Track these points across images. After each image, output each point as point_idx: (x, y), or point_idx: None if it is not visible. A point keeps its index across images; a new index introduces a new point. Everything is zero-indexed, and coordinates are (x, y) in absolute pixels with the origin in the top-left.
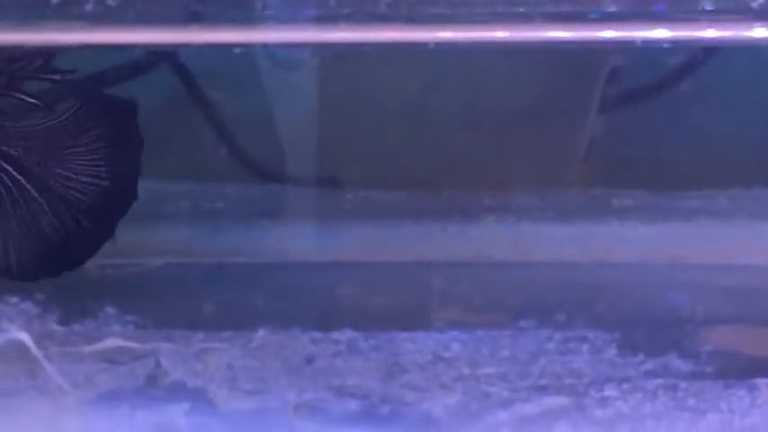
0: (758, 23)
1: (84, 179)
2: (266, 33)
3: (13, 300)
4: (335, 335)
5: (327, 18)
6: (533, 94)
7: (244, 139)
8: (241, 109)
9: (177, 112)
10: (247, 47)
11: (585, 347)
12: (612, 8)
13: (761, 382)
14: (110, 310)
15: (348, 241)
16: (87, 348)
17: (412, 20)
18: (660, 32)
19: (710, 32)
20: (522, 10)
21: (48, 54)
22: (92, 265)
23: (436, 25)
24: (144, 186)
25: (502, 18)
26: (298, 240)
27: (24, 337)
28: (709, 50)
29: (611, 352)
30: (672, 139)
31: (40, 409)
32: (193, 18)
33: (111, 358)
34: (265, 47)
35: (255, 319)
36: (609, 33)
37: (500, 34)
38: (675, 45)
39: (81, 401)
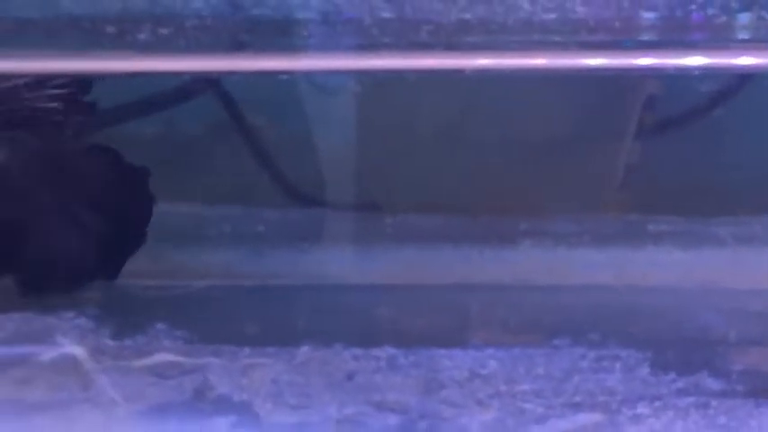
0: None
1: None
2: (311, 61)
3: (69, 315)
4: (376, 351)
5: (370, 46)
6: (571, 121)
7: (285, 164)
8: (282, 135)
9: (220, 138)
10: (291, 74)
11: (618, 366)
12: (647, 36)
13: None
14: (160, 326)
15: (387, 264)
16: (138, 362)
17: (450, 47)
18: (695, 60)
19: (744, 60)
20: (557, 39)
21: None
22: (139, 285)
23: (474, 53)
24: (188, 210)
25: (538, 46)
26: (338, 263)
27: (78, 350)
28: (744, 77)
29: (644, 371)
30: (706, 166)
31: (92, 420)
32: (240, 47)
33: (160, 372)
34: (306, 74)
35: (299, 337)
36: (644, 61)
37: (537, 61)
38: (710, 72)
39: (131, 413)
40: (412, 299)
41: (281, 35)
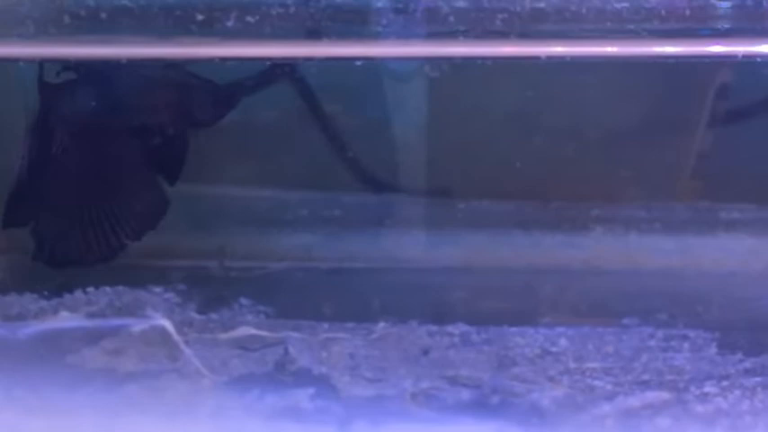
0: None
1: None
2: (388, 48)
3: (158, 290)
4: (450, 328)
5: (446, 34)
6: (643, 108)
7: (359, 150)
8: (357, 121)
9: (297, 124)
10: (369, 60)
11: (687, 345)
12: (720, 25)
13: None
14: (243, 300)
15: (460, 248)
16: (222, 335)
17: (524, 36)
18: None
19: None
20: (631, 27)
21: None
22: (219, 267)
23: (548, 41)
24: (266, 195)
25: (611, 34)
26: (412, 247)
27: (167, 323)
28: None
29: (712, 350)
30: None
31: (179, 389)
32: (320, 34)
33: (243, 345)
34: (380, 61)
35: (376, 314)
36: (716, 48)
37: (609, 49)
38: None
39: (216, 384)
40: (484, 281)
41: (361, 23)
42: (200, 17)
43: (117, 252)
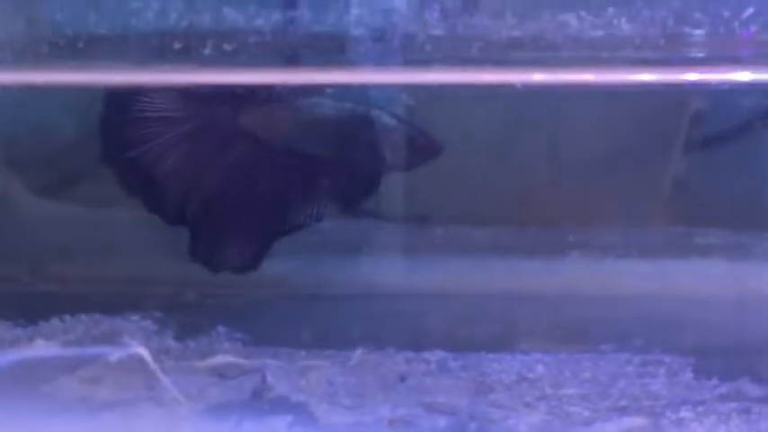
0: None
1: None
2: (366, 75)
3: (135, 317)
4: (427, 355)
5: (423, 62)
6: (618, 135)
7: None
8: None
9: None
10: (346, 87)
11: (663, 371)
12: (693, 53)
13: None
14: (221, 328)
15: (437, 274)
16: (200, 363)
17: (501, 63)
18: (741, 75)
19: None
20: (605, 55)
21: None
22: (197, 295)
23: (524, 68)
24: None
25: (586, 62)
26: (389, 273)
27: (143, 351)
28: None
29: (688, 376)
30: (752, 180)
31: (156, 418)
32: (297, 61)
33: (221, 373)
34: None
35: (353, 341)
36: (690, 76)
37: (585, 77)
38: (756, 88)
39: (193, 412)
40: (461, 307)
41: (338, 51)
42: (177, 45)
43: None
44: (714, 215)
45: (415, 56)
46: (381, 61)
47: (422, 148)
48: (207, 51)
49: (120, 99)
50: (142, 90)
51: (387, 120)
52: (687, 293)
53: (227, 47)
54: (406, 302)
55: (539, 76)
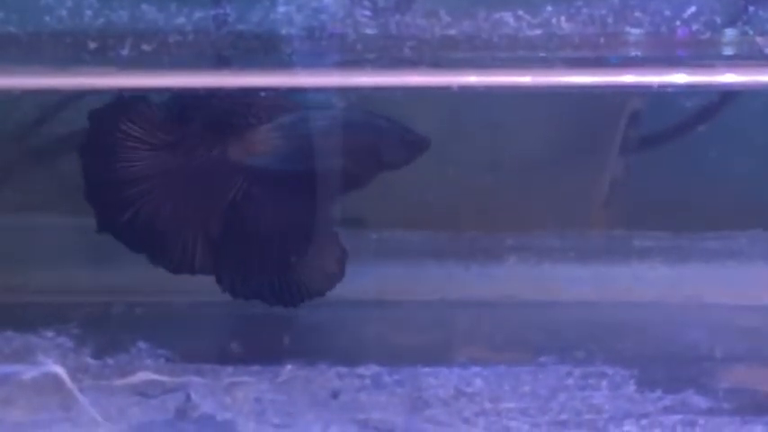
0: None
1: None
2: (294, 78)
3: (49, 334)
4: (360, 370)
5: (354, 62)
6: (555, 137)
7: None
8: None
9: None
10: (274, 90)
11: (605, 383)
12: (632, 53)
13: None
14: (142, 344)
15: (372, 281)
16: (120, 381)
17: (435, 64)
18: (679, 77)
19: (728, 77)
20: (543, 55)
21: None
22: (120, 306)
23: (459, 70)
24: None
25: (524, 63)
26: None
27: (59, 370)
28: (727, 94)
29: (630, 388)
30: (691, 181)
31: None
32: (224, 63)
33: (142, 391)
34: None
35: (282, 355)
36: (628, 78)
37: (522, 79)
38: (694, 89)
39: None
40: (396, 316)
41: (264, 52)
42: (92, 45)
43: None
44: (653, 217)
45: (345, 56)
46: (310, 62)
47: (412, 145)
48: (125, 52)
49: (99, 159)
50: (119, 145)
51: (375, 120)
52: (627, 299)
53: (146, 47)
54: (338, 311)
55: (475, 78)
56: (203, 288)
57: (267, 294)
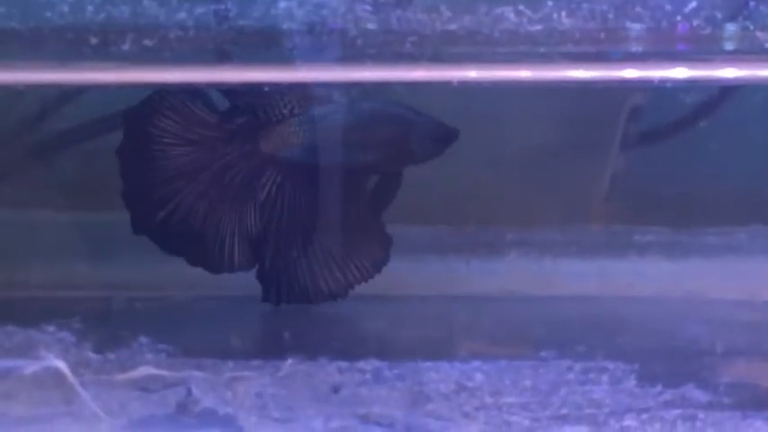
0: None
1: None
2: (295, 73)
3: (51, 329)
4: (361, 364)
5: (354, 57)
6: (556, 131)
7: None
8: None
9: None
10: (276, 85)
11: (605, 378)
12: (632, 48)
13: None
14: (143, 339)
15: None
16: (121, 376)
17: (436, 59)
18: (679, 72)
19: (729, 72)
20: (543, 50)
21: None
22: (121, 301)
23: (460, 64)
24: None
25: (524, 58)
26: None
27: (61, 364)
28: (728, 89)
29: (631, 383)
30: (692, 176)
31: None
32: (225, 58)
33: (143, 386)
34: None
35: (283, 350)
36: (628, 73)
37: (523, 73)
38: (695, 84)
39: (114, 428)
40: (397, 311)
41: (265, 47)
42: (94, 40)
43: (345, 291)
44: (653, 212)
45: (346, 51)
46: (311, 57)
47: (442, 136)
48: (126, 47)
49: (136, 158)
50: (155, 142)
51: (405, 113)
52: (628, 294)
53: (147, 42)
54: (338, 306)
55: (475, 73)
56: (204, 282)
57: (312, 292)
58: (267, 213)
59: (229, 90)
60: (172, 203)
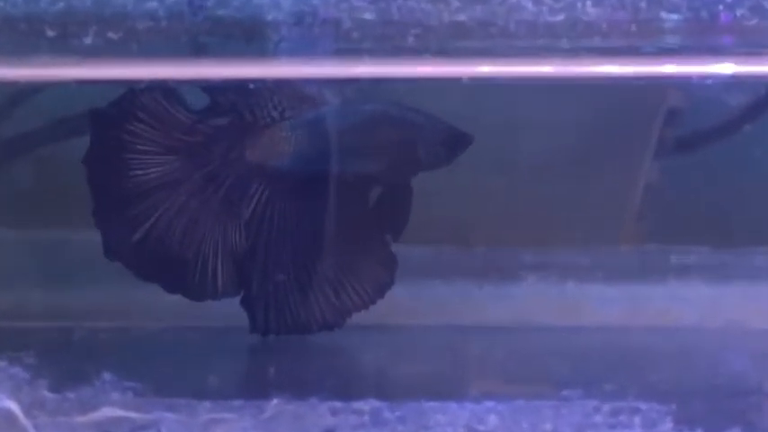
0: None
1: None
2: (281, 68)
3: (1, 364)
4: (358, 404)
5: (349, 51)
6: (581, 138)
7: None
8: None
9: None
10: (259, 82)
11: (638, 420)
12: (668, 41)
13: None
14: (107, 375)
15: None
16: (81, 418)
17: (443, 53)
18: (722, 68)
19: None
20: (566, 43)
21: None
22: (81, 329)
23: (471, 59)
24: None
25: (543, 52)
26: None
27: (12, 404)
28: None
29: (667, 425)
30: (736, 188)
31: None
32: (200, 52)
33: (107, 429)
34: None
35: (268, 388)
36: (664, 69)
37: (542, 70)
38: (740, 82)
39: None
40: (399, 342)
41: (247, 40)
42: (51, 33)
43: (342, 319)
44: (693, 229)
45: (339, 45)
46: (299, 51)
47: (454, 142)
48: (88, 40)
49: (105, 168)
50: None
51: (411, 115)
52: (663, 323)
53: (112, 35)
54: (333, 336)
55: (488, 69)
56: (180, 310)
57: (304, 321)
58: (254, 231)
59: (211, 88)
60: (148, 222)
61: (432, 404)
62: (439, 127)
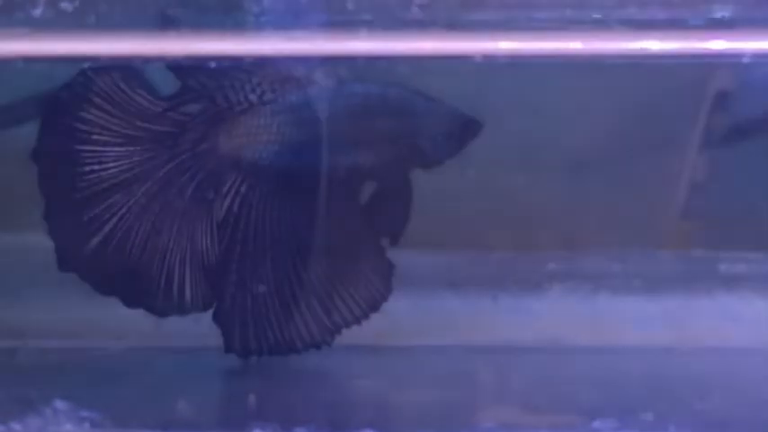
0: None
1: None
2: (264, 43)
3: None
4: None
5: (343, 24)
6: (615, 126)
7: None
8: None
9: None
10: (242, 60)
11: None
12: (717, 13)
13: None
14: (59, 404)
15: (370, 319)
16: None
17: (453, 27)
18: None
19: None
20: (597, 15)
21: None
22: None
23: (485, 34)
24: None
25: (572, 25)
26: None
27: None
28: None
29: None
30: None
31: None
32: (170, 25)
33: None
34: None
35: (247, 418)
36: (712, 45)
37: (570, 46)
38: None
39: None
40: (399, 365)
41: (224, 11)
42: None
43: (332, 337)
44: (745, 232)
45: (331, 17)
46: (284, 24)
47: (462, 129)
48: (38, 11)
49: (56, 163)
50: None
51: (412, 98)
52: (710, 343)
53: (66, 5)
54: (323, 358)
55: (506, 45)
56: (140, 329)
57: (287, 339)
58: (229, 235)
59: (178, 67)
60: (106, 226)
61: None
62: (443, 112)
